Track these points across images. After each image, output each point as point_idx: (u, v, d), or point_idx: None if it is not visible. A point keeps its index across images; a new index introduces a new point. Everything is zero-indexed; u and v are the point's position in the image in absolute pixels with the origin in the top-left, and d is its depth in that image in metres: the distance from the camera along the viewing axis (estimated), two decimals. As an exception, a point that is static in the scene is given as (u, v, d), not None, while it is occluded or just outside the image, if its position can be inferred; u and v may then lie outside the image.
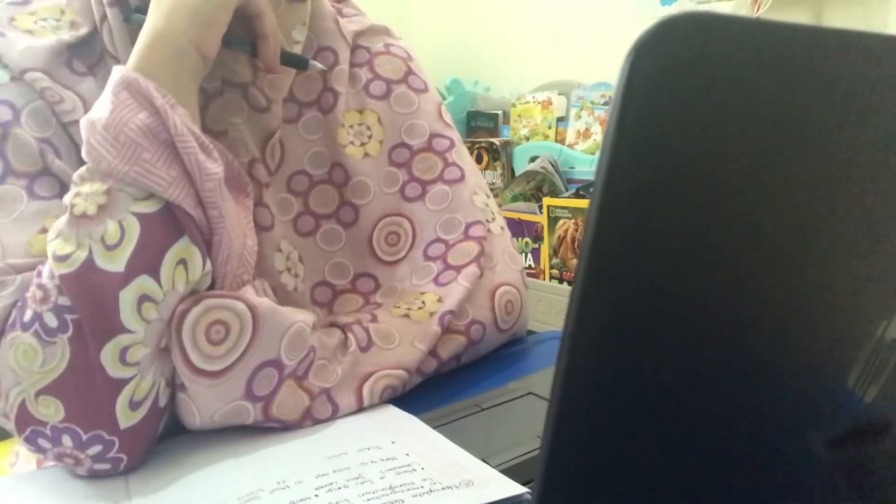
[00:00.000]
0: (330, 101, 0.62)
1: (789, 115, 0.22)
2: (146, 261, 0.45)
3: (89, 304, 0.44)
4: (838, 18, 1.42)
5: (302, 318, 0.51)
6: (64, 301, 0.44)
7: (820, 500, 0.31)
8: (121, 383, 0.45)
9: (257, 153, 0.57)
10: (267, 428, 0.51)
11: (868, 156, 0.24)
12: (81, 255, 0.44)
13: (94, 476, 0.48)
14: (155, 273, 0.45)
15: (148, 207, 0.46)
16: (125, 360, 0.45)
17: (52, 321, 0.44)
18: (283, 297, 0.56)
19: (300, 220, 0.61)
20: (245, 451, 0.48)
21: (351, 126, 0.63)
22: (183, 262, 0.46)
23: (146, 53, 0.48)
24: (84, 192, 0.45)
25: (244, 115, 0.57)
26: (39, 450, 0.46)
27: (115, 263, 0.44)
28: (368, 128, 0.63)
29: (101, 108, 0.46)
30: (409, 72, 0.66)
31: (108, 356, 0.44)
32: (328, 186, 0.62)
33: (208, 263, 0.48)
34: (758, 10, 1.41)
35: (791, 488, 0.29)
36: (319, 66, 0.58)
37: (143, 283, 0.45)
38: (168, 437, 0.52)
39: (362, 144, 0.63)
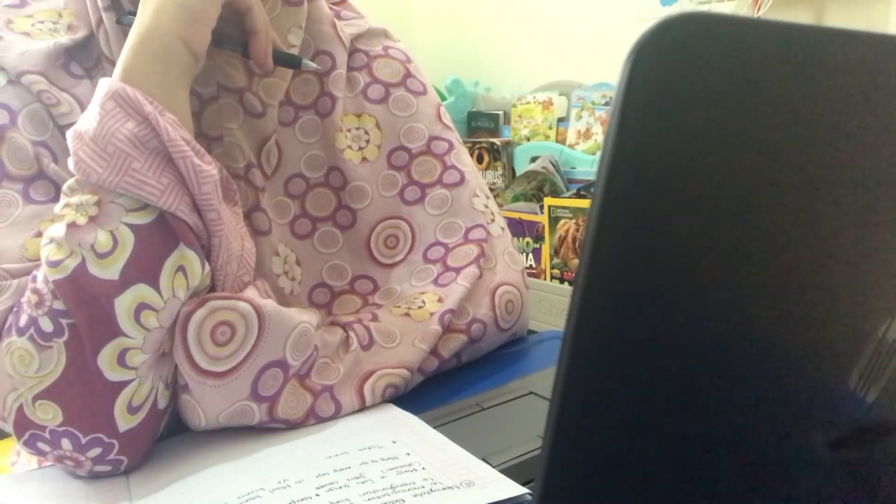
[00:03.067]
0: (327, 105, 0.62)
1: (790, 115, 0.22)
2: (143, 270, 0.45)
3: (84, 309, 0.44)
4: (839, 18, 1.42)
5: (306, 318, 0.51)
6: (59, 305, 0.44)
7: (822, 500, 0.31)
8: (119, 386, 0.45)
9: (253, 158, 0.57)
10: (268, 428, 0.51)
11: (869, 156, 0.24)
12: (72, 263, 0.44)
13: (94, 476, 0.48)
14: (153, 282, 0.45)
15: (141, 218, 0.45)
16: (124, 364, 0.45)
17: (47, 325, 0.44)
18: (281, 300, 0.56)
19: (297, 223, 0.61)
20: (246, 451, 0.48)
21: (349, 130, 0.63)
22: (182, 268, 0.46)
23: (134, 53, 0.47)
24: (74, 203, 0.45)
25: (239, 120, 0.57)
26: (39, 453, 0.46)
27: (108, 271, 0.44)
28: (366, 132, 0.63)
29: (88, 119, 0.45)
30: (408, 74, 0.66)
31: (105, 360, 0.44)
32: (325, 189, 0.62)
33: (207, 265, 0.48)
34: (758, 10, 1.41)
35: (793, 489, 0.29)
36: (313, 65, 0.58)
37: (141, 291, 0.45)
38: (169, 437, 0.52)
39: (360, 149, 0.63)
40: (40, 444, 0.45)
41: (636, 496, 0.25)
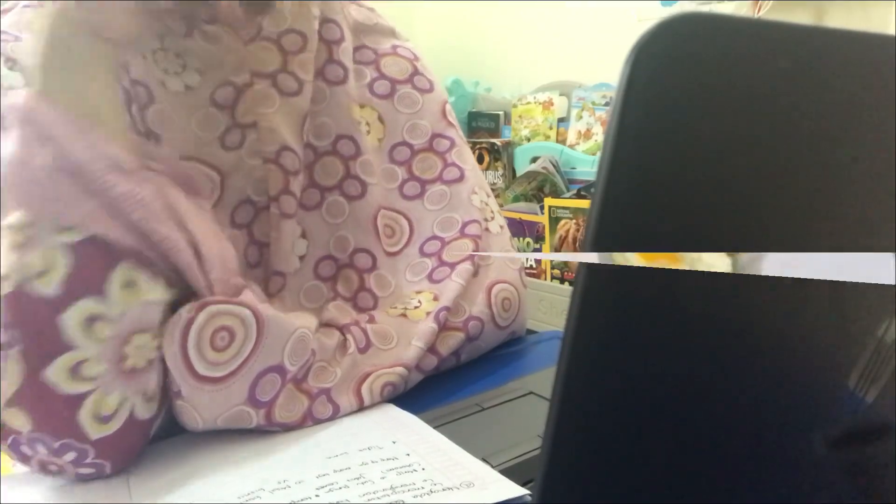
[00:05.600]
0: (339, 74, 0.62)
1: (790, 116, 0.22)
2: (87, 284, 0.43)
3: (29, 325, 0.42)
4: (839, 19, 1.42)
5: (304, 323, 0.51)
6: (9, 317, 0.42)
7: (821, 500, 0.31)
8: (79, 398, 0.44)
9: (289, 140, 0.57)
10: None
11: (868, 156, 0.24)
12: (15, 278, 0.42)
13: (83, 479, 0.47)
14: (100, 295, 0.43)
15: (74, 237, 0.43)
16: (79, 376, 0.43)
17: (3, 336, 0.42)
18: (290, 279, 0.57)
19: (306, 195, 0.61)
20: (246, 451, 0.48)
21: None
22: (131, 283, 0.44)
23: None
24: (10, 223, 0.43)
25: (276, 104, 0.57)
26: (22, 457, 0.45)
27: (49, 288, 0.42)
28: (368, 124, 0.63)
29: (9, 145, 0.43)
30: (415, 72, 0.66)
31: (56, 373, 0.43)
32: (333, 158, 0.61)
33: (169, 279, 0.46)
34: (759, 10, 1.41)
35: (792, 489, 0.29)
36: None
37: (87, 304, 0.43)
38: (168, 437, 0.52)
39: None
40: (22, 449, 0.44)
41: (636, 496, 0.25)
